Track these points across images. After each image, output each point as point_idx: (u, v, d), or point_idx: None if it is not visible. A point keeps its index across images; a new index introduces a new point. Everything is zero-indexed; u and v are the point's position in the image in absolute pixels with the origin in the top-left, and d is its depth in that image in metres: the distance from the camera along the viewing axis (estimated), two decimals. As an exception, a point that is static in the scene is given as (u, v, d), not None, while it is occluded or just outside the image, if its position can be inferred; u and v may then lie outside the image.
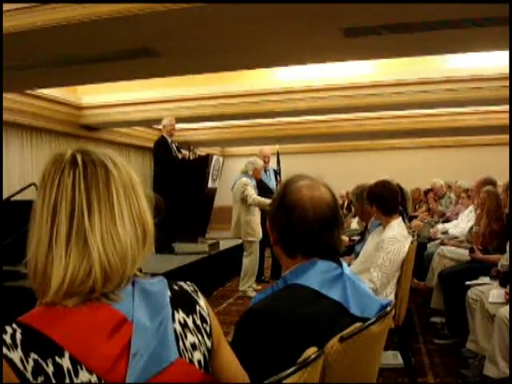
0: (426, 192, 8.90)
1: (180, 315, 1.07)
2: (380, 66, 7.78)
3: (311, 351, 1.13)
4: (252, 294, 6.45)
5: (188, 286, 1.15)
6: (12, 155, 8.72)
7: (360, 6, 4.17)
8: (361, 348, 1.30)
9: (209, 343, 1.10)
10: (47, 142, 9.64)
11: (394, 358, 3.59)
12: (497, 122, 10.46)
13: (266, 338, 1.28)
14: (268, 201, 6.30)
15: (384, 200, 3.44)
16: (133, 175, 1.09)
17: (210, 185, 7.22)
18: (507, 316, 3.05)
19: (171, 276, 1.18)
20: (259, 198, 6.41)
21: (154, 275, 1.14)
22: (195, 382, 1.04)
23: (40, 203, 1.01)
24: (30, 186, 4.62)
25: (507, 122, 9.57)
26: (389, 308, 1.46)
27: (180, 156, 7.01)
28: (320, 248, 1.48)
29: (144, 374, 0.95)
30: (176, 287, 1.12)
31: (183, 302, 1.10)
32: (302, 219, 1.46)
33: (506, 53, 5.82)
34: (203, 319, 1.11)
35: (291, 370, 1.05)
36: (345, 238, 5.00)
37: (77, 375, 0.90)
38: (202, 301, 1.14)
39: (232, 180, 6.84)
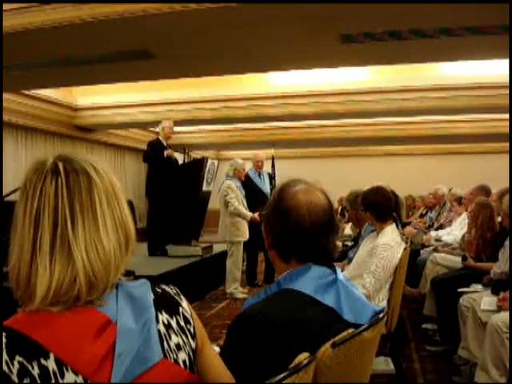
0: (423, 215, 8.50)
1: (164, 316, 1.08)
2: (376, 72, 7.81)
3: (303, 356, 1.13)
4: (239, 295, 6.48)
5: (170, 289, 1.17)
6: (6, 155, 8.68)
7: (357, 13, 4.19)
8: (353, 354, 1.30)
9: (193, 344, 1.11)
10: (42, 142, 9.63)
11: (385, 364, 3.58)
12: (491, 130, 10.51)
13: (258, 342, 1.28)
14: (249, 214, 6.36)
15: (378, 206, 3.45)
16: (114, 181, 1.10)
17: (204, 188, 7.21)
18: (499, 324, 3.06)
19: (164, 279, 1.19)
20: (241, 209, 6.45)
21: (147, 278, 1.15)
22: (180, 382, 1.05)
23: (22, 212, 1.01)
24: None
25: (501, 130, 9.63)
26: (382, 314, 1.46)
27: (166, 154, 6.82)
28: (315, 253, 1.47)
29: (129, 374, 0.96)
30: (159, 290, 1.14)
31: (166, 304, 1.11)
32: (298, 224, 1.46)
33: (504, 61, 5.85)
34: (186, 320, 1.13)
35: (283, 374, 1.05)
36: (338, 244, 5.01)
37: (62, 377, 0.91)
38: (184, 303, 1.15)
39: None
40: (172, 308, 1.12)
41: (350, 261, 3.75)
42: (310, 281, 1.41)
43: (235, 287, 6.57)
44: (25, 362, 0.90)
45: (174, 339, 1.08)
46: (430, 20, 4.40)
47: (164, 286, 1.16)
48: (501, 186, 5.08)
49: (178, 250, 6.89)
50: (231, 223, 6.52)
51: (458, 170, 12.67)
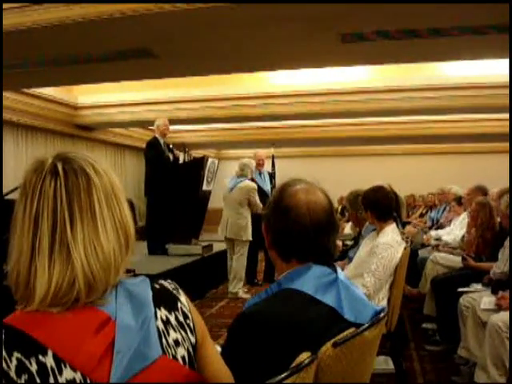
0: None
1: (162, 312, 1.08)
2: (376, 71, 7.80)
3: (305, 356, 1.13)
4: (244, 295, 6.46)
5: (169, 284, 1.16)
6: (7, 153, 8.67)
7: (358, 12, 4.18)
8: (354, 353, 1.30)
9: (193, 339, 1.11)
10: (42, 140, 9.61)
11: (385, 364, 3.58)
12: (492, 130, 10.51)
13: (259, 342, 1.28)
14: None
15: (379, 205, 3.45)
16: (114, 180, 1.09)
17: (204, 187, 7.20)
18: (499, 323, 3.06)
19: (164, 278, 1.19)
20: None
21: (147, 276, 1.15)
22: (179, 378, 1.05)
23: (21, 213, 1.01)
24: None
25: (502, 129, 9.63)
26: (382, 314, 1.46)
27: (172, 157, 6.98)
28: (315, 253, 1.47)
29: (128, 371, 0.96)
30: (157, 286, 1.13)
31: (165, 300, 1.11)
32: (298, 223, 1.46)
33: (505, 61, 5.84)
34: (185, 315, 1.12)
35: (284, 374, 1.05)
36: (338, 243, 5.00)
37: (61, 373, 0.91)
38: (182, 297, 1.15)
39: (228, 182, 6.85)
40: (170, 304, 1.12)
41: (350, 260, 3.75)
42: (310, 280, 1.41)
43: (240, 287, 6.59)
44: (23, 359, 0.90)
45: (173, 335, 1.08)
46: (429, 20, 4.40)
47: (162, 281, 1.16)
48: (501, 186, 5.07)
49: (178, 249, 6.89)
50: (249, 223, 6.57)
51: (458, 170, 12.66)
